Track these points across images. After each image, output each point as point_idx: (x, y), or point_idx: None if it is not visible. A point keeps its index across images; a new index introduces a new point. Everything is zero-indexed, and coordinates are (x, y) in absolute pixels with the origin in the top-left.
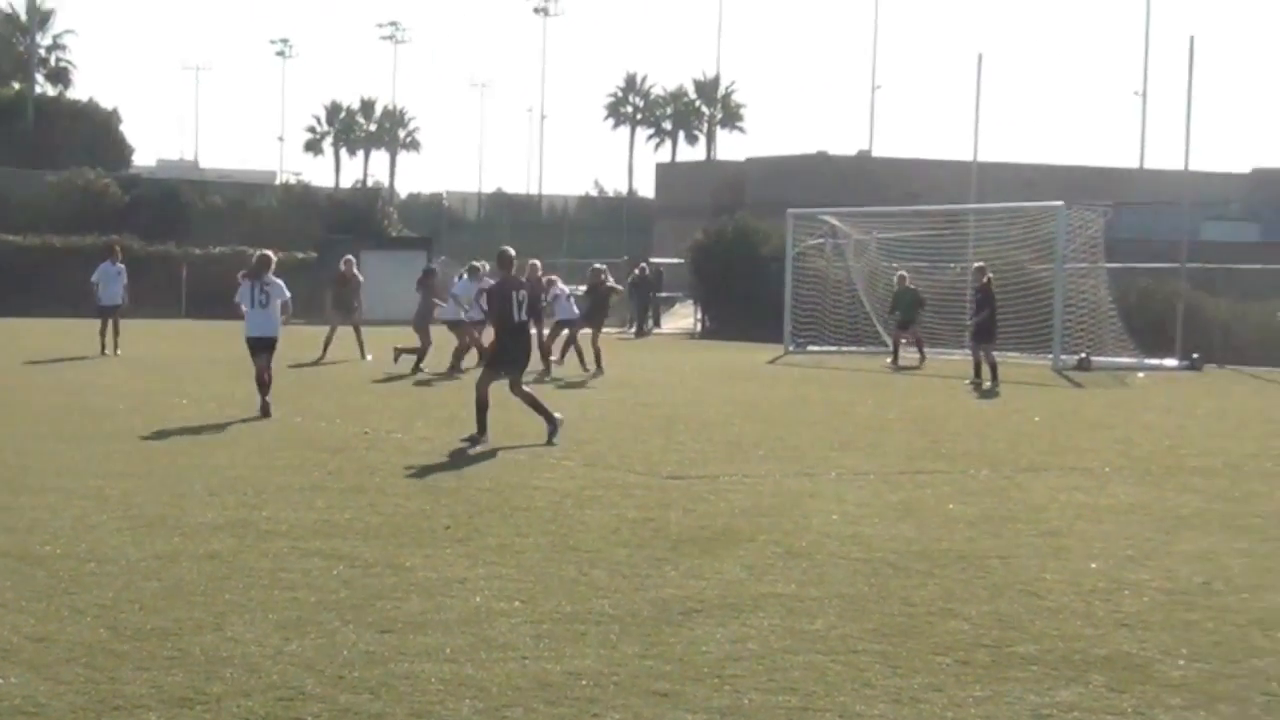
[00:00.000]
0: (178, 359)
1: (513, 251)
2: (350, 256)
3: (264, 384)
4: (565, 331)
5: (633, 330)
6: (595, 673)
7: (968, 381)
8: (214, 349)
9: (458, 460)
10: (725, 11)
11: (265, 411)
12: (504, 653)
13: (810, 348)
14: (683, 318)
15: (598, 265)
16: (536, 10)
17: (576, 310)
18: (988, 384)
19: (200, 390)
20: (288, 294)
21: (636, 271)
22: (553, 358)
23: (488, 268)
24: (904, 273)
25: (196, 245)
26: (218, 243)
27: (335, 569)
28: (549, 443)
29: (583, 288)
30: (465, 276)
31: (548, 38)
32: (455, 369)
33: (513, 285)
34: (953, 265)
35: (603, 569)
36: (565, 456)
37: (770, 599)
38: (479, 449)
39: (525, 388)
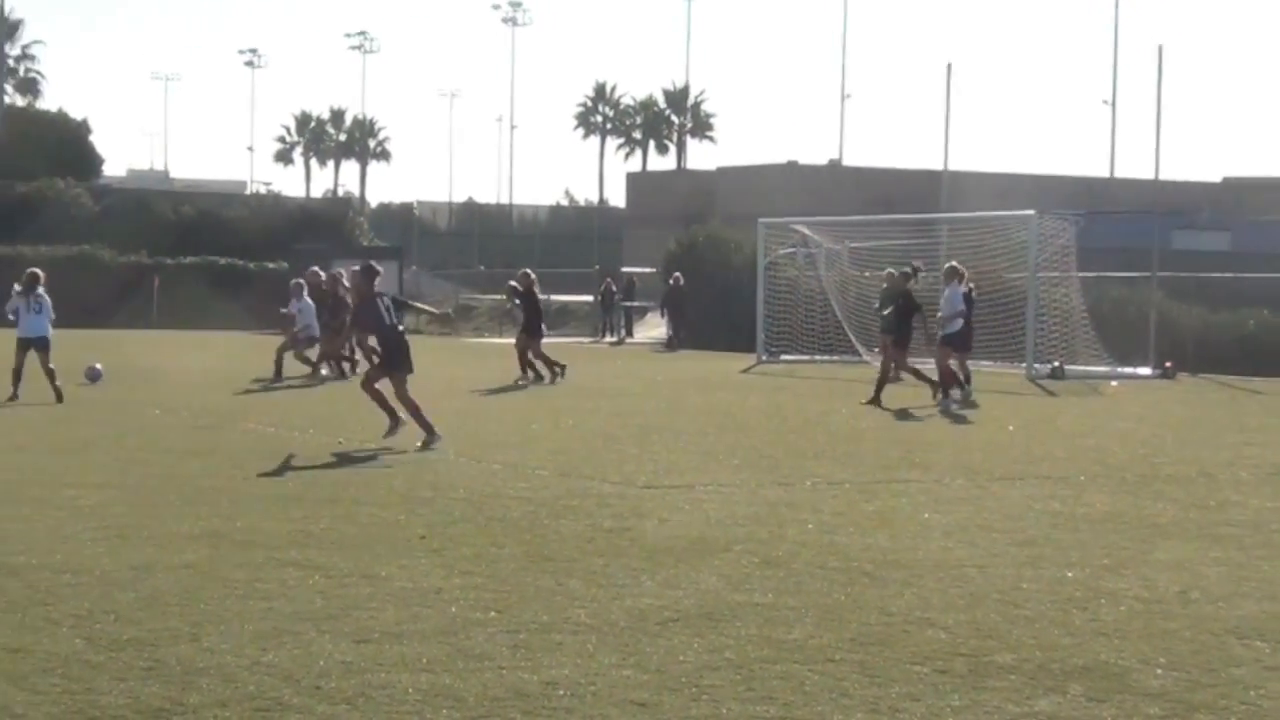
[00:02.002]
0: (149, 369)
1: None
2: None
3: (50, 373)
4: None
5: (604, 340)
6: (572, 682)
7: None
8: (187, 359)
9: (432, 470)
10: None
11: (60, 398)
12: (480, 662)
13: (783, 357)
14: (655, 327)
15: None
16: (505, 20)
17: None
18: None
19: (174, 400)
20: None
21: (606, 282)
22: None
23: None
24: (893, 270)
25: (168, 255)
26: (189, 253)
27: (311, 579)
28: (385, 437)
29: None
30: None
31: (517, 47)
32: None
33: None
34: (924, 274)
35: (579, 578)
36: (540, 466)
37: (747, 608)
38: (433, 446)
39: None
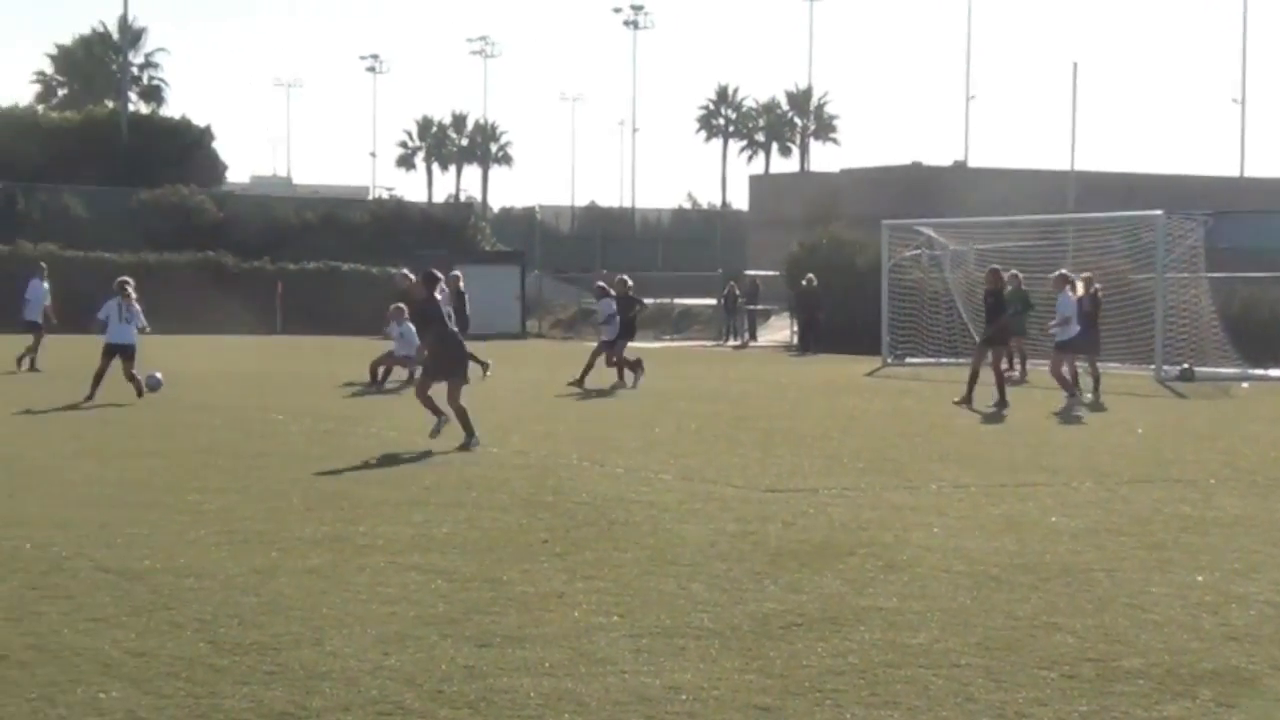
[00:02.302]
0: (273, 374)
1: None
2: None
3: (133, 379)
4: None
5: (727, 343)
6: (695, 687)
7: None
8: (309, 364)
9: (554, 475)
10: (817, 22)
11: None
12: (603, 667)
13: (909, 360)
14: (779, 330)
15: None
16: (627, 23)
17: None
18: (1087, 395)
19: (296, 405)
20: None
21: (730, 285)
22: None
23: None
24: (1016, 272)
25: (290, 261)
26: (311, 258)
27: (433, 583)
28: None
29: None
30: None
31: (638, 50)
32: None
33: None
34: (1051, 276)
35: (702, 583)
36: (662, 470)
37: (871, 613)
38: (471, 447)
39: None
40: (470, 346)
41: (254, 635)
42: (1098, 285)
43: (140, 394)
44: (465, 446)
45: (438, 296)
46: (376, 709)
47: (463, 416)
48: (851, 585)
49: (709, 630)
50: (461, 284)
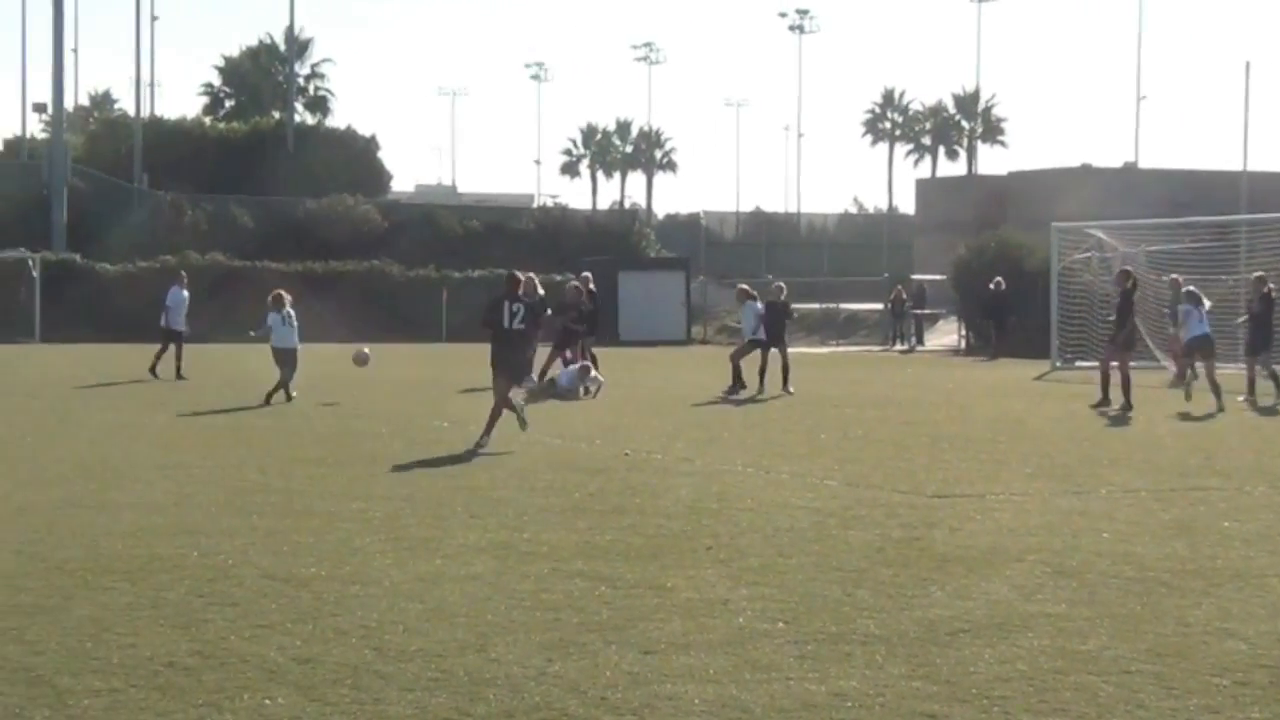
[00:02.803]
0: (437, 383)
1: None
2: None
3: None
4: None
5: (894, 348)
6: (860, 694)
7: (1241, 399)
8: (473, 373)
9: (719, 481)
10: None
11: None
12: (767, 673)
13: (1078, 364)
14: (946, 334)
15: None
16: (792, 28)
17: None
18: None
19: (461, 413)
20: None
21: (897, 289)
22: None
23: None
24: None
25: (455, 269)
26: (476, 266)
27: (597, 590)
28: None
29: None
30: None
31: (803, 55)
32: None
33: (507, 298)
34: (1224, 278)
35: (867, 589)
36: (827, 476)
37: (1039, 619)
38: (478, 449)
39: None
40: (620, 354)
41: (418, 642)
42: (1271, 285)
43: (288, 398)
44: (477, 446)
45: (523, 296)
46: (540, 715)
47: (494, 416)
48: (1019, 591)
49: (874, 636)
50: (591, 285)
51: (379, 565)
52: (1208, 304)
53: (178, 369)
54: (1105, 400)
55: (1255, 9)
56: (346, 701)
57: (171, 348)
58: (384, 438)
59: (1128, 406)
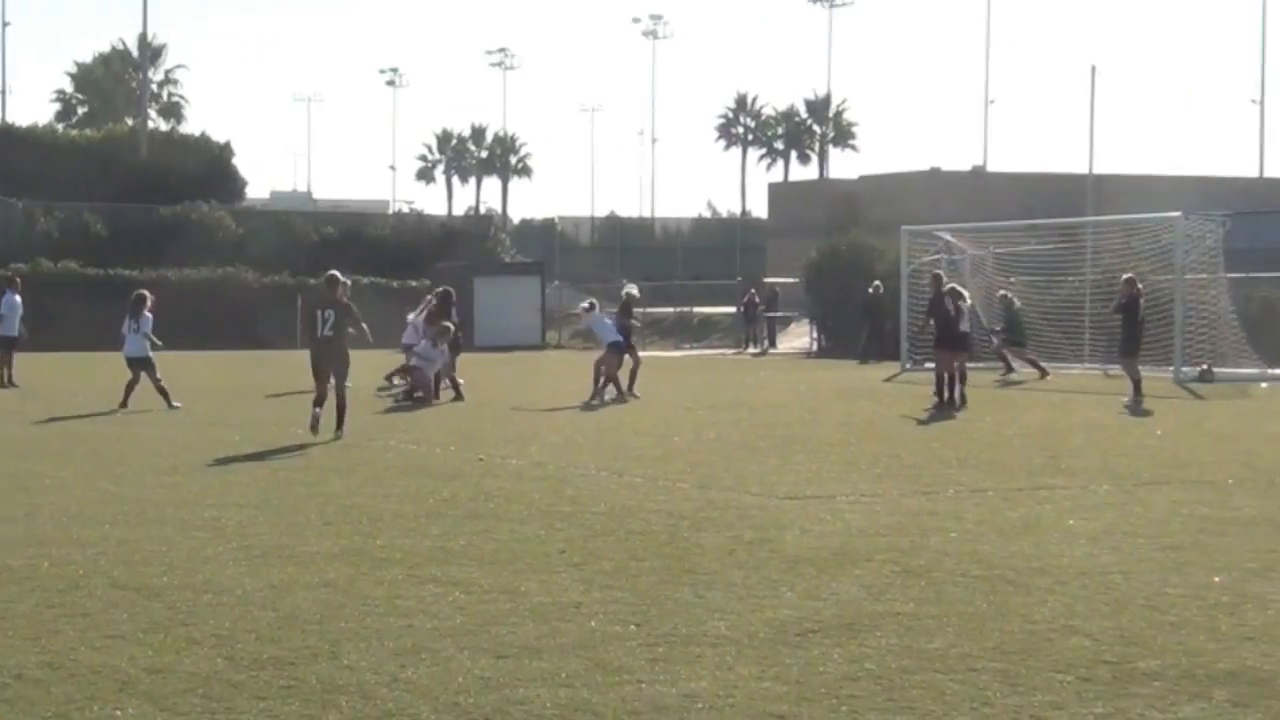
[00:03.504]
0: (292, 389)
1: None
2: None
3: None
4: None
5: (747, 351)
6: (711, 695)
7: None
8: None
9: (572, 485)
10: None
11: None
12: (619, 676)
13: (928, 365)
14: (798, 337)
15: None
16: (646, 33)
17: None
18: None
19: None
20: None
21: (749, 293)
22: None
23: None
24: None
25: (311, 276)
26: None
27: (450, 595)
28: None
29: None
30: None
31: (657, 60)
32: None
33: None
34: (1071, 279)
35: (719, 591)
36: (680, 479)
37: (888, 618)
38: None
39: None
40: (476, 359)
41: (271, 650)
42: (1140, 286)
43: (170, 406)
44: (317, 428)
45: (342, 300)
46: None
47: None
48: (868, 591)
49: (725, 638)
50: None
51: (231, 573)
52: (968, 301)
53: (9, 376)
54: (944, 401)
55: (1100, 14)
56: (198, 711)
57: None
58: (238, 445)
59: (950, 403)
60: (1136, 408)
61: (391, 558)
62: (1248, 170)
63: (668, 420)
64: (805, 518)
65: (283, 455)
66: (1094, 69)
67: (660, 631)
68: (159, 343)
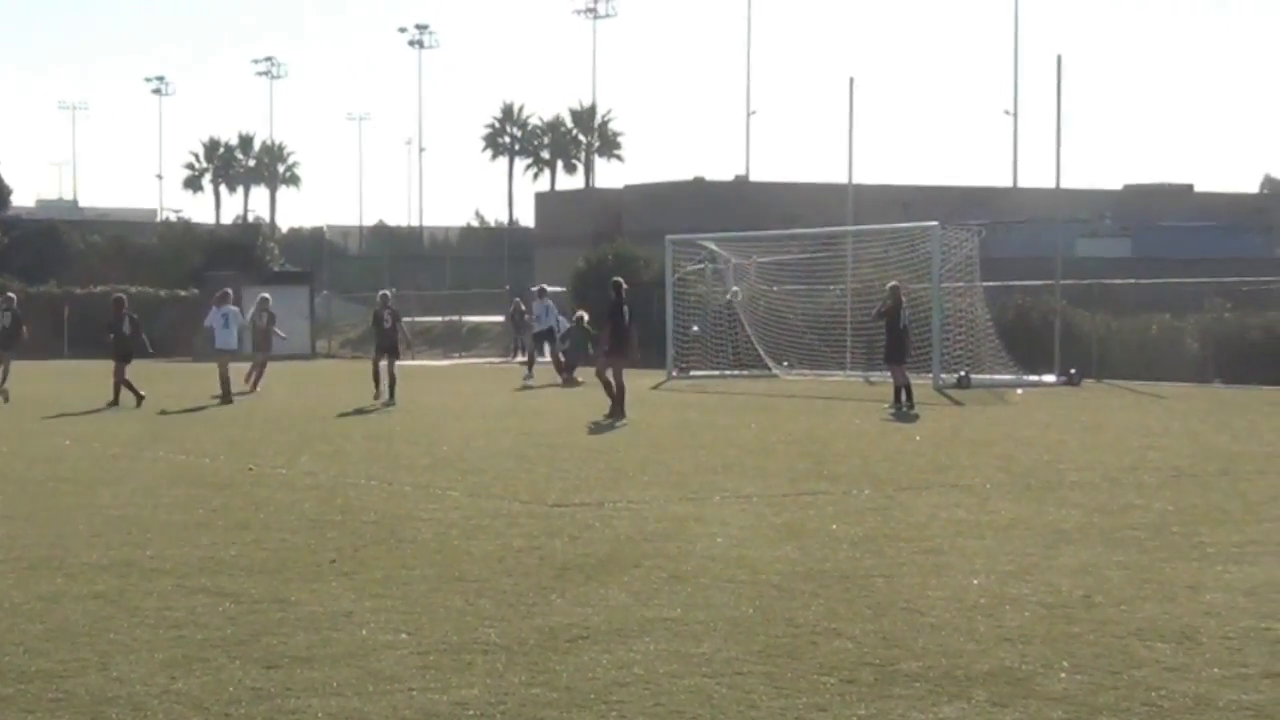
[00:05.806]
0: (61, 399)
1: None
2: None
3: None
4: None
5: (515, 359)
6: (482, 702)
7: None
8: (97, 388)
9: (342, 494)
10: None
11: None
12: (390, 684)
13: (693, 373)
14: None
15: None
16: (412, 43)
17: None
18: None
19: (83, 430)
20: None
21: (515, 302)
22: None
23: None
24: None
25: (77, 285)
26: (99, 282)
27: (221, 606)
28: None
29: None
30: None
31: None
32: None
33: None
34: (832, 287)
35: (489, 598)
36: (450, 487)
37: (656, 624)
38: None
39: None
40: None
41: (39, 663)
42: (904, 297)
43: None
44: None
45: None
46: None
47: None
48: (636, 597)
49: (496, 645)
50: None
51: None
52: (549, 304)
53: None
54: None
55: (859, 27)
56: None
57: None
58: (4, 456)
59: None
60: (906, 413)
61: (161, 568)
62: (1002, 180)
63: (437, 429)
64: (574, 525)
65: (50, 466)
66: (852, 81)
67: (431, 639)
68: None
